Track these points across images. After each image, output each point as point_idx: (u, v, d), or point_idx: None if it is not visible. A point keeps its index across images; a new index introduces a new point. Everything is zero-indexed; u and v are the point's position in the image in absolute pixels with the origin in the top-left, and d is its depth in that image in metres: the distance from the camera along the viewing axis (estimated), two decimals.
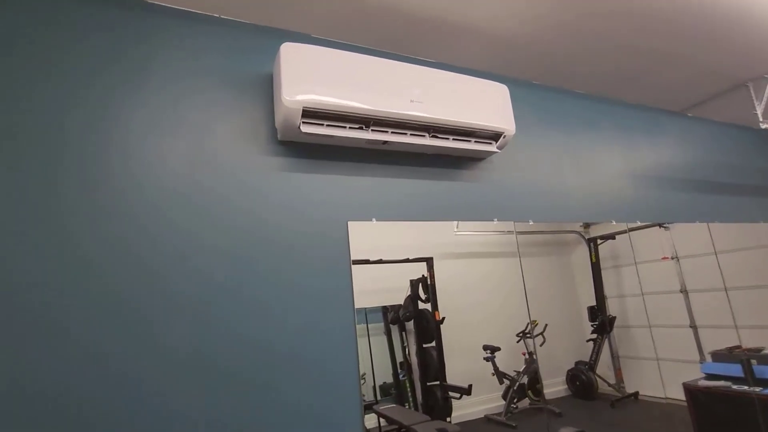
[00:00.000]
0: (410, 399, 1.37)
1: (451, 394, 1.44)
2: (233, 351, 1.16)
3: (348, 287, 1.36)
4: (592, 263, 1.98)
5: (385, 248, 1.45)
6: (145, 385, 1.05)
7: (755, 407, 2.26)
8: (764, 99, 2.28)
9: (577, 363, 1.77)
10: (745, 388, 2.28)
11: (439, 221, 1.62)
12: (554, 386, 1.67)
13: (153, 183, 1.19)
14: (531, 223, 1.83)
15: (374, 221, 1.47)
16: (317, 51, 1.32)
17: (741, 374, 2.29)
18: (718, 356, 2.30)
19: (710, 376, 2.23)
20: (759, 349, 2.45)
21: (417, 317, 1.46)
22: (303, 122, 1.28)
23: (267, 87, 1.43)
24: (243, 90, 1.40)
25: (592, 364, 1.82)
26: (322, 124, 1.32)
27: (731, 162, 2.78)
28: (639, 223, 2.18)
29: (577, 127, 2.16)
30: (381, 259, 1.42)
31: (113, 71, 1.22)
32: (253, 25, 1.48)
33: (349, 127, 1.36)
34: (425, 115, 1.42)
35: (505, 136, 1.62)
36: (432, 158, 1.68)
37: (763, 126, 2.26)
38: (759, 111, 2.29)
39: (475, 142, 1.60)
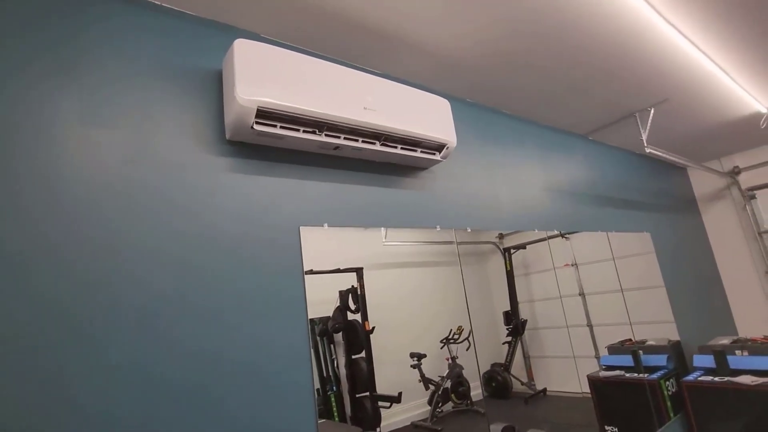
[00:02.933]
0: (335, 413, 1.34)
1: (380, 403, 1.44)
2: (177, 364, 1.06)
3: (301, 296, 1.32)
4: (507, 271, 2.12)
5: (314, 259, 1.40)
6: (81, 402, 0.91)
7: (645, 390, 2.63)
8: (647, 128, 2.71)
9: (492, 365, 1.85)
10: (636, 375, 2.64)
11: (389, 228, 1.65)
12: (474, 389, 1.73)
13: (83, 179, 1.04)
14: (469, 230, 1.94)
15: (326, 227, 1.45)
16: (272, 51, 1.28)
17: (632, 363, 2.66)
18: (612, 349, 2.64)
19: (608, 367, 2.54)
20: (644, 341, 2.87)
21: (346, 328, 1.45)
22: (256, 122, 1.23)
23: (212, 82, 1.35)
24: (185, 83, 1.29)
25: (507, 365, 1.93)
26: (276, 125, 1.28)
27: (623, 181, 3.24)
28: (556, 232, 2.44)
29: (507, 144, 2.36)
30: (312, 270, 1.38)
31: (33, 46, 1.06)
32: (196, 16, 1.39)
33: (303, 131, 1.34)
34: (378, 122, 1.45)
35: (448, 147, 1.71)
36: (380, 165, 1.71)
37: (648, 151, 2.68)
38: (644, 138, 2.72)
39: (421, 151, 1.67)
